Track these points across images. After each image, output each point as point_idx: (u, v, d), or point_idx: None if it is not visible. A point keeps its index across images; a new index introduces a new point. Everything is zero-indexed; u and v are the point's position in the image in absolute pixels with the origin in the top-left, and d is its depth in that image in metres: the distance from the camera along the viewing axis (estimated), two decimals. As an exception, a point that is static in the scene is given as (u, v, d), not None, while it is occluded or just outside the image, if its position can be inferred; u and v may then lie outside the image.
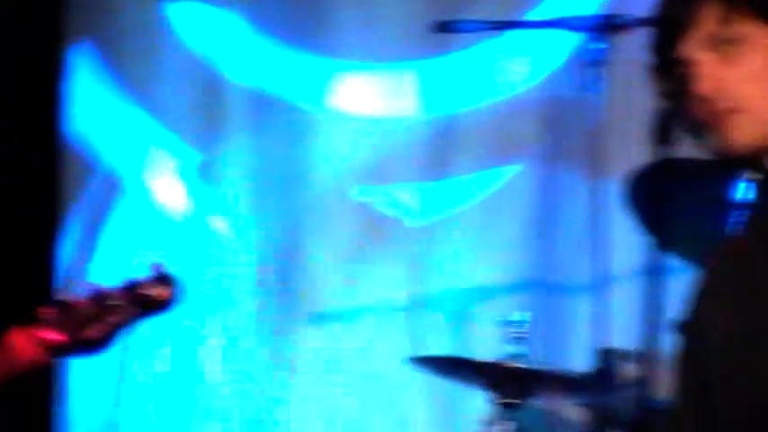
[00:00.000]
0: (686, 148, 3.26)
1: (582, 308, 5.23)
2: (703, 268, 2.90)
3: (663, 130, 2.87)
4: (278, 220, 6.32)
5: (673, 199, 3.37)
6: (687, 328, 2.86)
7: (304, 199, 6.31)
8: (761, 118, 2.74)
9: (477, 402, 5.13)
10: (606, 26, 4.62)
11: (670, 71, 2.84)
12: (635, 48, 5.07)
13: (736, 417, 2.79)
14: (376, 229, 6.13)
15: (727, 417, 2.82)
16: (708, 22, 2.69)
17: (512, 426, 4.76)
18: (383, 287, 5.88)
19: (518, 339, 4.89)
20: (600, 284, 4.67)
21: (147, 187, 6.61)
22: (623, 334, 5.02)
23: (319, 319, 5.94)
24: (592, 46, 4.69)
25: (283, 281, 6.10)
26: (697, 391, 2.86)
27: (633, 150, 5.03)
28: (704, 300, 2.80)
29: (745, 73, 2.70)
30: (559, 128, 5.77)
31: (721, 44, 2.69)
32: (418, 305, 5.77)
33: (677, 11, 2.76)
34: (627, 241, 5.03)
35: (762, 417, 2.76)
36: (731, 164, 2.88)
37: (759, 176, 2.89)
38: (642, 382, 3.91)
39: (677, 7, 2.77)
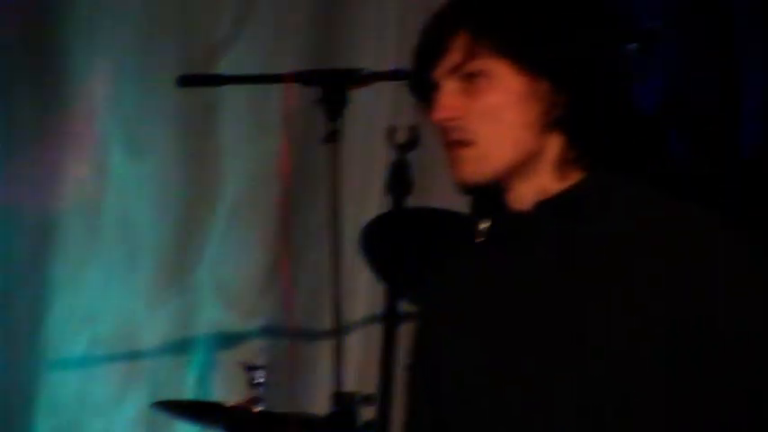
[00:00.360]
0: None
1: (323, 352, 5.31)
2: (429, 303, 2.95)
3: (396, 181, 2.88)
4: None
5: (408, 248, 3.26)
6: (419, 364, 2.93)
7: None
8: (489, 155, 2.79)
9: None
10: (345, 80, 4.52)
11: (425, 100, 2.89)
12: (372, 101, 5.03)
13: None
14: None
15: None
16: (455, 53, 2.75)
17: None
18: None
19: (258, 384, 4.81)
20: (340, 330, 4.51)
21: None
22: (363, 378, 5.24)
23: (62, 365, 5.77)
24: (333, 98, 4.53)
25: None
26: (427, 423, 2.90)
27: (370, 200, 5.20)
28: (438, 334, 2.85)
29: (481, 108, 2.75)
30: (300, 171, 5.69)
31: (465, 77, 2.75)
32: (163, 350, 5.71)
33: (431, 40, 2.80)
34: (367, 287, 5.21)
35: None
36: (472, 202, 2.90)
37: (487, 224, 2.92)
38: (380, 425, 4.03)
39: (432, 36, 2.81)
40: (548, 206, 2.73)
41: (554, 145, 2.73)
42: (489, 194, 2.86)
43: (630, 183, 2.79)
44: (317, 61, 5.33)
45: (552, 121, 2.75)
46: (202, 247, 5.81)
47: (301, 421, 4.79)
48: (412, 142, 3.05)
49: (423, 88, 2.84)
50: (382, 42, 5.48)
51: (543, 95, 2.72)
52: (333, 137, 4.33)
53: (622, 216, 2.76)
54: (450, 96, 2.72)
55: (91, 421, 5.75)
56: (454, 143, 2.72)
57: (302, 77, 4.45)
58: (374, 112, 5.58)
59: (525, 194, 2.78)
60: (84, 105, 5.99)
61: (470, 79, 2.73)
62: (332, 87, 4.36)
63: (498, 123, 2.73)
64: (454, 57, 2.73)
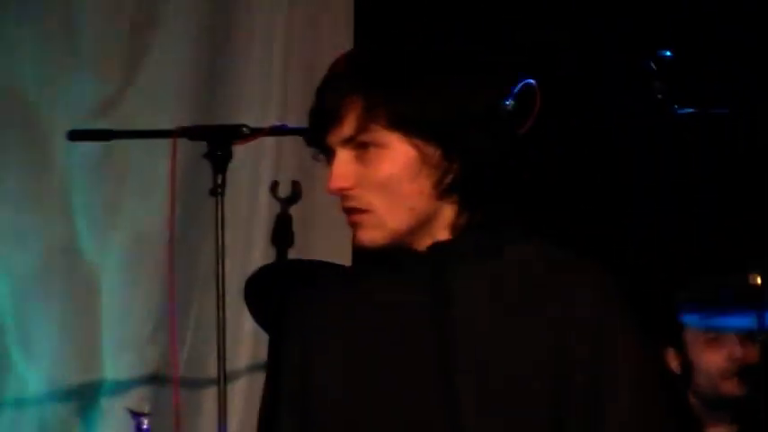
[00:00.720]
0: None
1: (208, 399, 5.38)
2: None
3: (279, 234, 2.93)
4: None
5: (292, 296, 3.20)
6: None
7: None
8: (386, 222, 2.80)
9: None
10: (229, 136, 4.53)
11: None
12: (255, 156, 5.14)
13: None
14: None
15: None
16: (348, 123, 2.76)
17: None
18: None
19: (144, 430, 4.80)
20: (223, 378, 4.47)
21: None
22: (245, 424, 5.32)
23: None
24: (218, 152, 4.51)
25: None
26: None
27: (255, 251, 5.29)
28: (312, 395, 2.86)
29: (374, 178, 2.77)
30: (185, 223, 5.51)
31: (358, 146, 2.76)
32: (51, 397, 5.63)
33: (327, 105, 2.82)
34: (251, 336, 5.40)
35: None
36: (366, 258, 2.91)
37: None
38: None
39: (327, 102, 2.82)
40: (429, 257, 2.79)
41: (448, 208, 2.77)
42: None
43: (509, 236, 2.83)
44: (203, 118, 5.34)
45: (445, 187, 2.78)
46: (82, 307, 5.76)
47: None
48: (294, 196, 3.10)
49: (318, 147, 2.86)
50: (266, 99, 5.54)
51: (435, 163, 2.75)
52: (217, 190, 4.36)
53: (497, 269, 2.82)
54: (343, 166, 2.76)
55: None
56: (351, 210, 2.77)
57: (189, 132, 4.51)
58: (258, 167, 5.70)
59: (420, 247, 2.83)
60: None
61: (364, 148, 2.76)
62: (217, 142, 4.39)
63: (392, 193, 2.78)
64: (347, 128, 2.76)
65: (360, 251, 2.86)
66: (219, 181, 4.34)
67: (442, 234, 2.78)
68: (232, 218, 4.52)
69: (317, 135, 2.80)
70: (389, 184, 2.76)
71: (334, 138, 2.75)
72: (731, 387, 4.89)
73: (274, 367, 3.01)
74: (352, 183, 2.73)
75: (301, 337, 2.86)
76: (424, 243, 2.80)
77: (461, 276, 2.76)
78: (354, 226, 2.77)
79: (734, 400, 4.90)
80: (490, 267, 2.79)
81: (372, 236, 2.76)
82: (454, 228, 2.76)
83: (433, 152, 2.72)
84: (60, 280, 5.70)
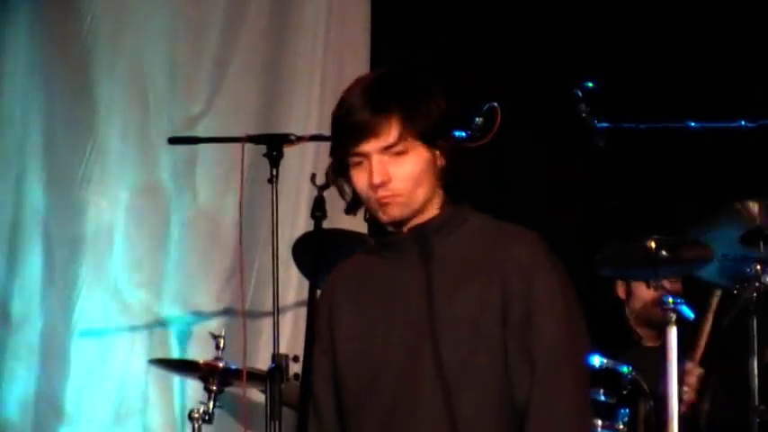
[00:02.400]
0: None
1: (265, 326, 5.26)
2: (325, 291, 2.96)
3: (317, 211, 2.79)
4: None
5: (323, 255, 3.00)
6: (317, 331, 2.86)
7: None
8: (410, 203, 2.81)
9: (194, 389, 5.09)
10: (281, 141, 4.55)
11: (343, 164, 2.85)
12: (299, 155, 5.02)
13: (354, 376, 2.86)
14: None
15: (348, 376, 2.86)
16: (389, 135, 2.75)
17: (214, 405, 4.79)
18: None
19: (221, 348, 4.90)
20: (277, 311, 4.57)
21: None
22: (292, 344, 5.23)
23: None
24: (274, 153, 4.59)
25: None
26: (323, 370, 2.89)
27: (299, 223, 5.21)
28: (334, 327, 2.89)
29: (405, 173, 2.77)
30: (251, 202, 5.35)
31: (394, 152, 2.75)
32: (157, 323, 5.57)
33: (364, 120, 2.79)
34: (296, 281, 5.32)
35: (365, 388, 2.83)
36: (381, 227, 2.90)
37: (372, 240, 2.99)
38: (304, 376, 4.09)
39: (366, 118, 2.79)
40: (415, 230, 2.81)
41: (437, 194, 2.80)
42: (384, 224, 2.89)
43: (471, 211, 2.89)
44: (263, 128, 5.22)
45: (439, 180, 2.81)
46: (179, 260, 5.66)
47: (249, 373, 4.76)
48: (326, 184, 3.00)
49: (349, 154, 2.82)
50: (307, 114, 5.45)
51: (435, 163, 2.79)
52: (273, 179, 4.41)
53: (463, 233, 2.85)
54: (383, 166, 2.74)
55: (112, 371, 5.53)
56: (386, 197, 2.77)
57: (253, 139, 4.52)
58: (301, 163, 5.56)
59: (414, 222, 2.85)
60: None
61: (399, 154, 2.76)
62: (272, 146, 4.41)
63: (415, 184, 2.79)
64: (387, 139, 2.75)
65: (376, 228, 2.92)
66: (274, 173, 4.40)
67: (433, 211, 2.82)
68: (283, 199, 4.49)
69: (356, 143, 2.78)
70: (414, 178, 2.78)
71: (372, 146, 2.75)
72: (659, 312, 4.63)
73: (310, 319, 2.98)
74: (389, 178, 2.74)
75: (329, 301, 2.88)
76: (422, 217, 2.83)
77: (438, 241, 2.81)
78: (384, 206, 2.78)
79: (662, 321, 4.63)
80: (456, 233, 2.84)
81: (398, 212, 2.79)
82: (440, 207, 2.81)
83: (435, 155, 2.77)
84: (174, 241, 5.64)
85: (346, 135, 2.77)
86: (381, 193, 2.72)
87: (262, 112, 5.47)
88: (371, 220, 2.89)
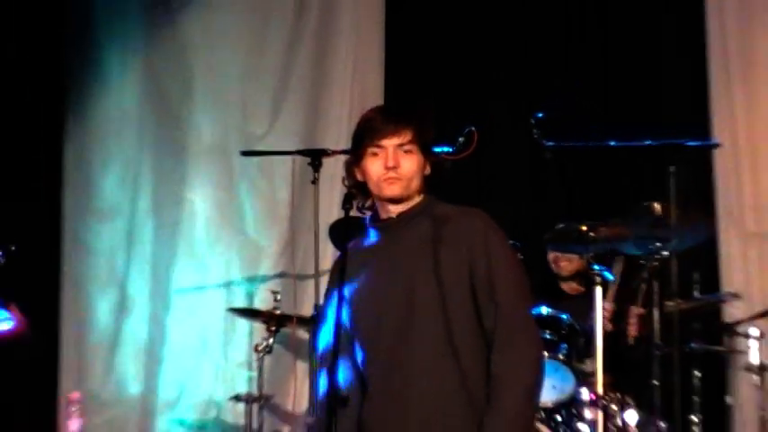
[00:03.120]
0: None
1: (309, 286, 5.01)
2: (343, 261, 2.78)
3: (347, 204, 2.72)
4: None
5: (350, 235, 2.95)
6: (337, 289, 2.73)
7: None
8: (409, 185, 2.75)
9: (258, 330, 4.96)
10: (321, 154, 4.49)
11: (359, 156, 2.76)
12: (334, 164, 4.60)
13: (361, 324, 2.78)
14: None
15: (360, 326, 2.78)
16: (404, 137, 2.73)
17: (273, 341, 4.64)
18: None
19: (277, 300, 4.75)
20: (318, 274, 4.53)
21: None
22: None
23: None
24: (315, 162, 4.48)
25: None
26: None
27: (334, 212, 4.85)
28: (344, 284, 2.70)
29: (409, 165, 2.74)
30: (300, 199, 5.18)
31: (404, 150, 2.73)
32: (232, 284, 5.41)
33: (392, 125, 2.74)
34: (332, 254, 4.78)
35: (375, 325, 2.74)
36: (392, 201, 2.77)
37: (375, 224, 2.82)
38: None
39: (392, 124, 2.74)
40: (402, 215, 2.78)
41: (422, 184, 2.78)
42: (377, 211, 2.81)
43: (438, 201, 2.83)
44: (309, 143, 5.14)
45: (423, 180, 2.79)
46: (247, 239, 5.48)
47: (298, 318, 4.71)
48: (351, 187, 2.79)
49: (374, 145, 2.74)
50: (340, 133, 5.24)
51: (424, 165, 2.77)
52: (315, 181, 4.40)
53: (434, 213, 2.80)
54: (396, 156, 2.72)
55: (200, 318, 5.44)
56: (394, 178, 2.73)
57: (301, 152, 4.57)
58: (335, 169, 4.87)
59: (401, 207, 2.78)
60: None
61: (406, 152, 2.74)
62: (315, 157, 4.44)
63: (413, 176, 2.75)
64: (401, 139, 2.73)
65: (380, 213, 2.82)
66: (316, 176, 4.42)
67: (417, 198, 2.79)
68: (321, 195, 4.46)
69: (379, 138, 2.73)
70: (413, 171, 2.75)
71: (391, 141, 2.73)
72: (562, 266, 4.73)
73: (331, 283, 2.95)
74: (399, 165, 2.72)
75: (341, 273, 2.72)
76: (407, 205, 2.79)
77: (419, 221, 2.78)
78: (391, 184, 2.74)
79: (569, 275, 4.75)
80: (432, 214, 2.80)
81: (398, 191, 2.75)
82: (421, 196, 2.79)
83: (424, 164, 2.77)
84: (244, 224, 5.47)
85: (374, 132, 2.75)
86: (391, 174, 2.73)
87: (306, 131, 5.39)
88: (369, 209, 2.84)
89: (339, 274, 2.70)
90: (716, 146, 4.74)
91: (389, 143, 2.71)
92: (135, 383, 5.39)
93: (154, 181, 5.56)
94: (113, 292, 5.48)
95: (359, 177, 2.79)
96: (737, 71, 4.98)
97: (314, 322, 4.51)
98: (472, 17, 5.29)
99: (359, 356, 2.77)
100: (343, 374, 2.75)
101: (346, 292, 2.73)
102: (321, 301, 4.09)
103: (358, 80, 5.36)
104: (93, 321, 5.47)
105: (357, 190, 2.80)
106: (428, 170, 2.77)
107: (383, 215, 2.80)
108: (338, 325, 2.62)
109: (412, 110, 2.82)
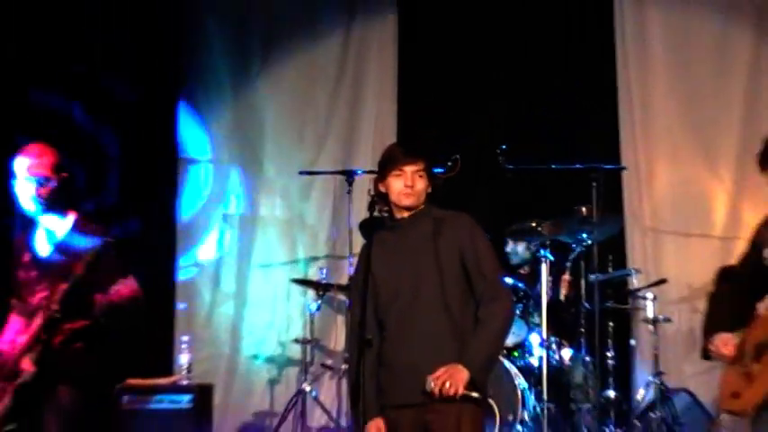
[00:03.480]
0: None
1: (345, 263, 4.83)
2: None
3: (372, 208, 2.74)
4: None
5: (373, 229, 2.90)
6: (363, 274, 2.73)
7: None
8: (418, 198, 2.72)
9: (310, 294, 4.95)
10: (353, 174, 4.53)
11: (385, 175, 2.71)
12: (363, 181, 4.58)
13: (384, 295, 2.74)
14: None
15: (382, 301, 2.72)
16: (419, 165, 2.70)
17: (321, 302, 4.68)
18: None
19: (323, 274, 4.78)
20: (350, 256, 4.53)
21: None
22: None
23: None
24: (349, 180, 4.54)
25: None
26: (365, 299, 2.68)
27: (363, 214, 3.94)
28: (370, 263, 2.72)
29: (421, 185, 2.73)
30: (338, 204, 5.22)
31: (419, 174, 2.70)
32: (293, 262, 5.34)
33: (411, 155, 2.70)
34: (360, 242, 4.12)
35: (392, 291, 2.69)
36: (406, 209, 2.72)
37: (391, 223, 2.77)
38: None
39: (412, 156, 2.70)
40: (411, 217, 2.75)
41: (425, 197, 2.77)
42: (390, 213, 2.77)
43: (435, 207, 2.79)
44: (346, 165, 5.14)
45: (428, 191, 2.74)
46: (303, 231, 5.38)
47: (338, 286, 4.71)
48: (375, 195, 2.78)
49: (397, 169, 2.71)
50: (366, 159, 5.18)
51: (428, 187, 2.73)
52: (350, 192, 4.56)
53: (432, 216, 2.75)
54: (413, 178, 2.69)
55: (271, 287, 5.38)
56: (410, 193, 2.70)
57: (340, 173, 4.74)
58: (365, 184, 4.41)
59: (411, 212, 2.75)
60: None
61: (419, 175, 2.72)
62: (349, 176, 4.58)
63: (422, 191, 2.73)
64: (418, 167, 2.71)
65: (395, 215, 2.76)
66: (350, 189, 4.60)
67: (422, 206, 2.75)
68: (354, 202, 4.59)
69: (402, 165, 2.71)
70: (423, 189, 2.74)
71: (411, 168, 2.71)
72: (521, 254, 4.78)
73: (359, 262, 2.85)
74: (414, 184, 2.71)
75: (367, 255, 2.72)
76: (417, 208, 2.75)
77: (419, 223, 2.76)
78: (407, 198, 2.71)
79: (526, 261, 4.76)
80: (430, 216, 2.77)
81: (412, 202, 2.73)
82: (424, 204, 2.76)
83: (428, 183, 2.76)
84: (300, 222, 5.39)
85: (397, 160, 2.74)
86: (408, 191, 2.75)
87: (343, 158, 5.41)
88: (384, 212, 2.81)
89: (366, 257, 2.76)
90: (623, 168, 4.89)
91: (409, 169, 2.75)
92: (226, 330, 5.44)
93: (240, 189, 5.55)
94: (211, 264, 5.51)
95: (382, 190, 2.82)
96: (638, 112, 5.05)
97: (347, 289, 4.61)
98: (463, 68, 5.26)
99: (380, 312, 2.78)
100: (369, 324, 2.75)
101: (372, 268, 2.76)
102: (353, 274, 4.07)
103: (378, 122, 5.41)
104: (196, 287, 5.49)
105: (379, 198, 2.83)
106: (429, 187, 2.82)
107: (398, 216, 2.83)
108: (365, 291, 2.70)
109: (424, 147, 2.84)
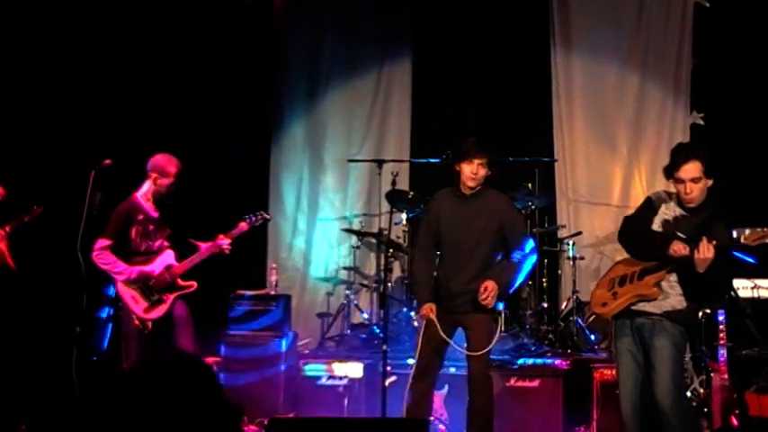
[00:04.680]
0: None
1: (375, 220, 5.78)
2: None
3: (393, 185, 2.69)
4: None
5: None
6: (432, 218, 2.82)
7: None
8: (480, 182, 2.95)
9: (354, 239, 5.92)
10: (382, 162, 5.50)
11: (459, 160, 2.97)
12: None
13: (449, 241, 2.93)
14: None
15: (446, 241, 3.06)
16: (483, 159, 2.96)
17: (361, 243, 5.54)
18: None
19: (361, 228, 5.62)
20: (380, 215, 5.47)
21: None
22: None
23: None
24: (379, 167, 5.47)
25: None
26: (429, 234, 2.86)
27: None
28: (437, 209, 2.74)
29: (482, 172, 2.99)
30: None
31: (484, 165, 2.93)
32: (343, 219, 6.27)
33: (481, 152, 2.90)
34: (385, 207, 5.17)
35: (455, 240, 2.83)
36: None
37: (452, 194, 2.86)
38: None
39: (480, 152, 2.89)
40: (472, 193, 2.99)
41: (484, 180, 3.09)
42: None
43: (488, 188, 3.11)
44: (378, 155, 6.00)
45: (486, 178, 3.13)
46: (347, 204, 6.20)
47: (370, 234, 5.55)
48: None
49: (466, 161, 2.93)
50: (393, 151, 5.94)
51: (487, 171, 2.98)
52: (380, 173, 5.28)
53: (487, 195, 3.02)
54: (479, 168, 2.86)
55: (326, 237, 6.26)
56: (475, 177, 2.92)
57: (374, 161, 5.65)
58: (388, 169, 5.76)
59: (473, 190, 2.99)
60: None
61: (482, 165, 2.97)
62: (380, 163, 5.51)
63: (483, 176, 2.99)
64: (483, 160, 2.96)
65: (462, 189, 2.92)
66: (379, 171, 5.53)
67: (481, 186, 3.01)
68: (383, 181, 5.45)
69: (472, 157, 2.93)
70: (483, 174, 3.03)
71: (478, 160, 2.95)
72: None
73: (425, 212, 3.00)
74: (479, 172, 2.89)
75: (435, 209, 2.84)
76: (477, 188, 3.01)
77: (476, 198, 3.00)
78: (472, 181, 2.97)
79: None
80: (483, 197, 3.05)
81: (476, 183, 3.01)
82: (482, 186, 3.06)
83: (487, 168, 2.97)
84: (345, 196, 6.17)
85: (471, 153, 3.00)
86: (473, 176, 3.04)
87: (377, 151, 6.22)
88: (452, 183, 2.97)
89: (430, 211, 3.01)
90: (555, 161, 5.92)
91: (477, 161, 3.11)
92: (299, 261, 6.40)
93: (309, 173, 6.37)
94: (291, 217, 6.45)
95: (456, 169, 3.16)
96: (566, 123, 5.95)
97: (378, 235, 5.39)
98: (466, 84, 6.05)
99: (442, 250, 3.20)
100: (427, 248, 3.15)
101: (440, 224, 3.05)
102: (384, 226, 5.07)
103: (397, 131, 6.23)
104: (282, 232, 6.41)
105: (451, 170, 3.12)
106: (489, 174, 3.25)
107: (464, 191, 3.20)
108: (431, 234, 3.03)
109: (488, 147, 3.18)
